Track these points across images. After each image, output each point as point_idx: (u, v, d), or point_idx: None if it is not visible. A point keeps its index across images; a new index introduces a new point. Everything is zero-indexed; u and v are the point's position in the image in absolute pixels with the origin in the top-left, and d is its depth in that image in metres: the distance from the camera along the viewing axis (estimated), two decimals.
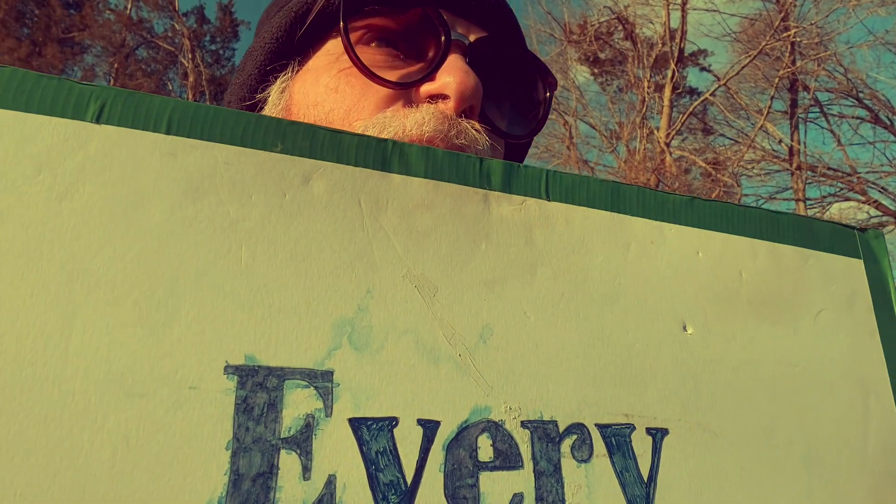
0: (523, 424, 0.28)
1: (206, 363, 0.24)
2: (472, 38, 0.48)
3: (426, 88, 0.45)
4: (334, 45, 0.48)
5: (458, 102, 0.44)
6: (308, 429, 0.25)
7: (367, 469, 0.25)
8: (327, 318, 0.26)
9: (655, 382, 0.32)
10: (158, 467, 0.22)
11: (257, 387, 0.25)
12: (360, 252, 0.28)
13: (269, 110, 0.49)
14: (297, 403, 0.25)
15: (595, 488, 0.29)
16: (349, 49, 0.45)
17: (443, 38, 0.46)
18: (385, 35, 0.47)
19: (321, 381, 0.26)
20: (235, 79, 0.53)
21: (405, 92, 0.46)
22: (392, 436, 0.26)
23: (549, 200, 0.33)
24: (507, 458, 0.28)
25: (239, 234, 0.26)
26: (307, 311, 0.26)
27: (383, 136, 0.42)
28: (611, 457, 0.30)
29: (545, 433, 0.29)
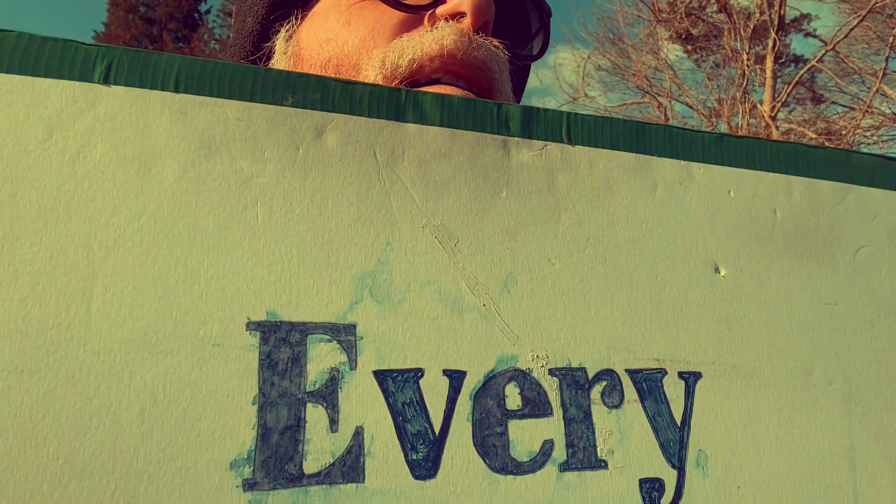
0: (551, 372, 0.28)
1: (229, 320, 0.24)
2: None
3: (441, 10, 0.45)
4: None
5: (474, 17, 0.44)
6: (333, 382, 0.25)
7: (395, 420, 0.25)
8: (347, 272, 0.26)
9: (687, 326, 0.31)
10: (187, 423, 0.23)
11: (280, 342, 0.24)
12: (378, 204, 0.28)
13: (277, 59, 0.49)
14: (321, 357, 0.25)
15: (627, 433, 0.28)
16: None
17: None
18: None
19: (344, 334, 0.25)
20: (235, 36, 0.53)
21: (418, 17, 0.46)
22: (418, 387, 0.26)
23: (572, 144, 0.32)
24: (535, 406, 0.27)
25: (254, 190, 0.26)
26: (327, 266, 0.26)
27: (403, 59, 0.43)
28: (642, 402, 0.29)
29: (574, 380, 0.28)
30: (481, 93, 0.46)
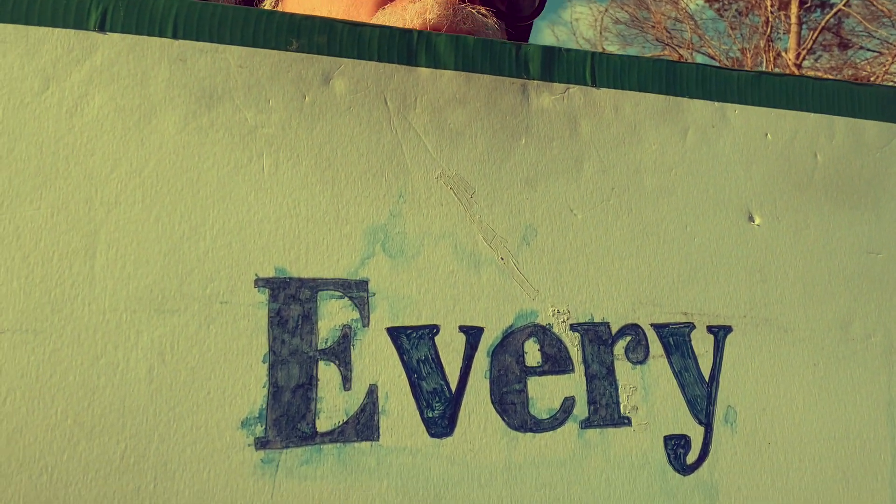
0: (573, 328, 0.27)
1: (236, 277, 0.23)
2: None
3: None
4: None
5: None
6: (346, 339, 0.24)
7: (410, 378, 0.24)
8: (358, 226, 0.25)
9: (717, 278, 0.29)
10: (196, 382, 0.22)
11: (290, 299, 0.24)
12: (390, 154, 0.26)
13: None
14: (333, 314, 0.24)
15: (652, 390, 0.27)
16: None
17: None
18: None
19: (356, 290, 0.24)
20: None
21: None
22: (433, 344, 0.25)
23: (596, 87, 0.30)
24: (556, 363, 0.26)
25: (259, 141, 0.25)
26: (337, 220, 0.25)
27: None
28: (668, 357, 0.28)
29: (597, 335, 0.27)
30: None
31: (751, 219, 0.31)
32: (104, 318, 0.22)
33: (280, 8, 0.47)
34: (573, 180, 0.29)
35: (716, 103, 0.32)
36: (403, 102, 0.27)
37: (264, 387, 0.23)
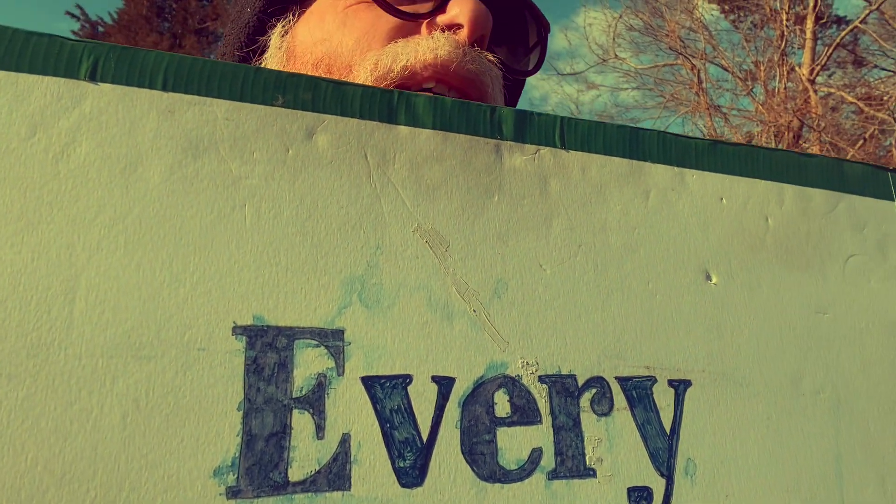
0: (541, 379, 0.28)
1: (214, 324, 0.24)
2: None
3: (440, 19, 0.46)
4: None
5: (471, 29, 0.44)
6: (320, 388, 0.24)
7: (382, 427, 0.25)
8: (336, 276, 0.26)
9: (677, 333, 0.31)
10: (170, 429, 0.22)
11: (267, 347, 0.24)
12: (368, 207, 0.27)
13: (270, 54, 0.49)
14: (308, 363, 0.24)
15: (616, 441, 0.28)
16: None
17: None
18: None
19: (332, 339, 0.25)
20: (230, 27, 0.53)
21: (413, 25, 0.46)
22: (406, 393, 0.25)
23: (565, 149, 0.32)
24: (524, 414, 0.27)
25: (242, 191, 0.25)
26: (315, 269, 0.26)
27: (396, 64, 0.43)
28: (632, 410, 0.29)
29: (564, 387, 0.28)
30: None
31: (708, 277, 0.33)
32: (80, 364, 0.22)
33: (290, 43, 0.48)
34: (542, 237, 0.30)
35: (675, 168, 0.34)
36: (383, 158, 0.28)
37: (238, 435, 0.23)
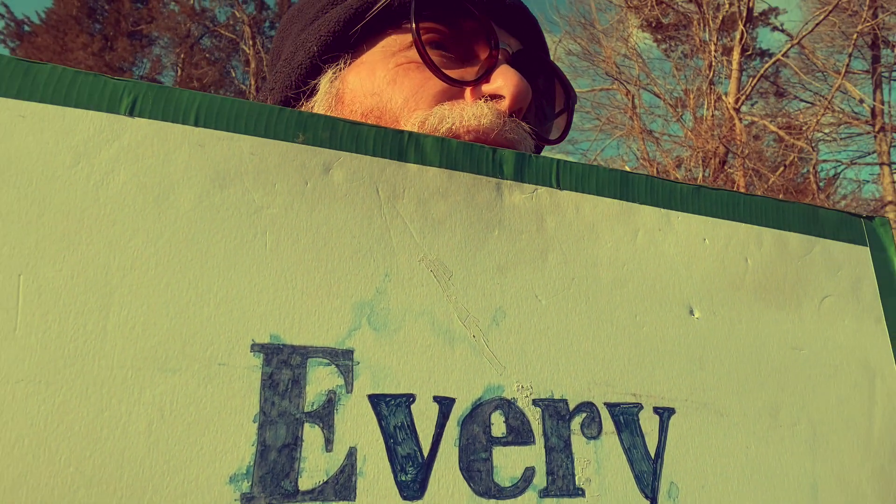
0: (535, 402, 0.30)
1: (234, 341, 0.26)
2: (513, 48, 0.53)
3: (485, 88, 0.49)
4: (391, 42, 0.51)
5: (512, 102, 0.48)
6: (330, 404, 0.26)
7: (386, 442, 0.26)
8: (348, 300, 0.28)
9: (663, 364, 0.33)
10: (191, 438, 0.24)
11: (282, 364, 0.26)
12: (379, 238, 0.29)
13: (319, 98, 0.52)
14: (320, 380, 0.26)
15: (604, 463, 0.30)
16: (418, 43, 0.48)
17: (493, 47, 0.50)
18: (443, 37, 0.51)
19: (342, 359, 0.27)
20: (282, 67, 0.55)
21: (459, 90, 0.49)
22: (409, 411, 0.27)
23: (560, 189, 0.34)
24: (519, 434, 0.29)
25: (264, 220, 0.28)
26: (328, 294, 0.28)
27: (442, 125, 0.46)
28: (619, 434, 0.31)
29: (556, 411, 0.30)
30: None
31: (691, 312, 0.35)
32: (111, 374, 0.24)
33: (339, 89, 0.51)
34: (538, 269, 0.32)
35: (662, 210, 0.36)
36: (393, 193, 0.31)
37: (253, 445, 0.25)
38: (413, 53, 0.50)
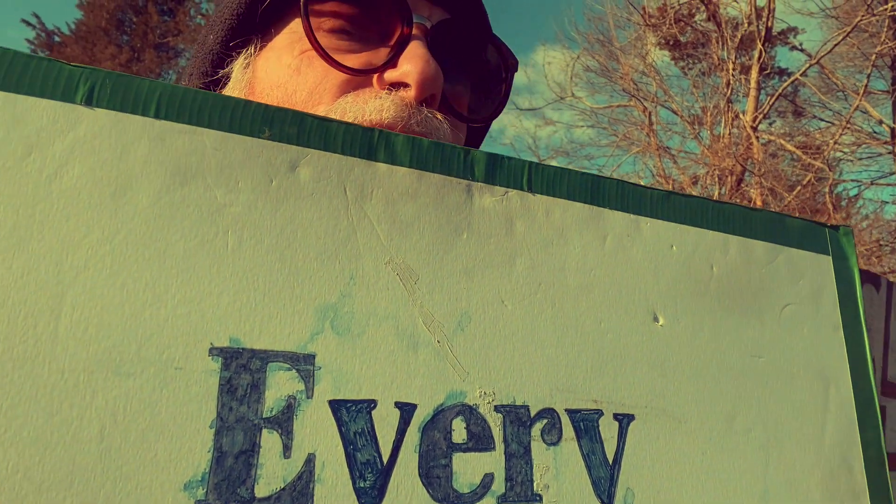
0: (497, 409, 0.30)
1: (192, 345, 0.25)
2: (434, 20, 0.48)
3: (388, 76, 0.45)
4: (297, 24, 0.47)
5: (418, 91, 0.44)
6: (289, 409, 0.26)
7: (346, 448, 0.26)
8: (311, 303, 0.27)
9: (624, 371, 0.33)
10: (145, 444, 0.23)
11: (241, 368, 0.25)
12: (345, 239, 0.29)
13: (231, 87, 0.49)
14: (280, 385, 0.26)
15: (562, 469, 0.30)
16: (309, 33, 0.45)
17: (404, 23, 0.46)
18: (347, 18, 0.47)
19: (303, 364, 0.27)
20: (196, 51, 0.52)
21: (366, 77, 0.46)
22: (370, 417, 0.27)
23: (531, 192, 0.34)
24: (479, 441, 0.29)
25: (226, 219, 0.27)
26: (291, 296, 0.27)
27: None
28: (578, 440, 0.31)
29: (517, 417, 0.30)
30: None
31: (655, 319, 0.35)
32: (63, 377, 0.23)
33: (250, 77, 0.48)
34: (506, 274, 0.32)
35: (632, 215, 0.36)
36: (361, 193, 0.30)
37: (209, 451, 0.24)
38: (322, 37, 0.46)
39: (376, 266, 0.29)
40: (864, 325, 0.42)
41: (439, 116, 0.46)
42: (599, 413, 0.32)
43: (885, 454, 0.39)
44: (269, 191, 0.28)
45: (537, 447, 0.30)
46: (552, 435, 0.31)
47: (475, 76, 0.54)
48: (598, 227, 0.35)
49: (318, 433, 0.26)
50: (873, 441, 0.39)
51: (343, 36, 0.46)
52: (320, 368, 0.27)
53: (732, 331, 0.37)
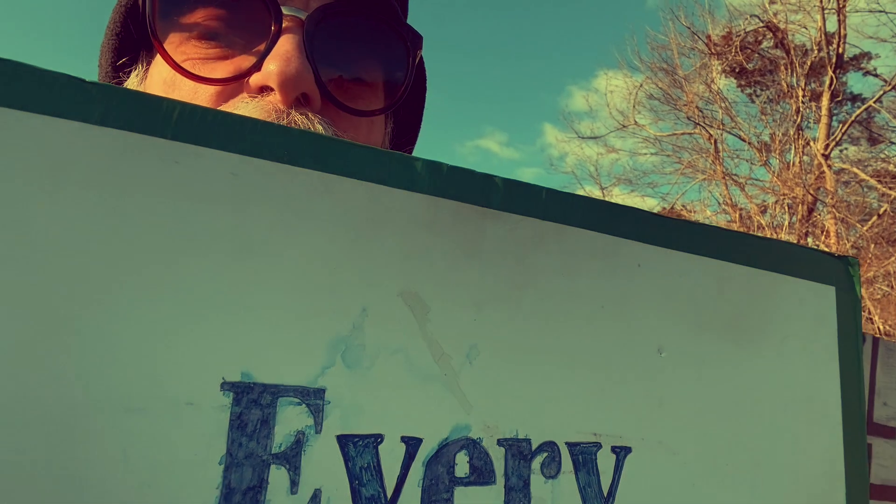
0: (499, 442, 0.30)
1: (204, 379, 0.25)
2: (312, 8, 0.44)
3: (253, 80, 0.42)
4: (175, 37, 0.43)
5: (283, 94, 0.41)
6: (298, 445, 0.26)
7: (351, 484, 0.27)
8: (323, 336, 0.27)
9: (625, 403, 0.34)
10: (153, 481, 0.24)
11: (252, 403, 0.25)
12: (358, 269, 0.29)
13: None
14: (289, 420, 0.26)
15: (558, 503, 0.31)
16: (159, 47, 0.41)
17: (273, 19, 0.42)
18: (215, 21, 0.43)
19: (313, 398, 0.27)
20: (99, 73, 0.49)
21: (238, 85, 0.42)
22: (377, 452, 0.27)
23: (545, 220, 0.34)
24: (481, 474, 0.29)
25: (239, 248, 0.26)
26: (303, 329, 0.27)
27: None
28: (576, 473, 0.32)
29: (519, 451, 0.30)
30: None
31: (659, 351, 0.35)
32: (73, 413, 0.23)
33: (145, 83, 0.46)
34: (515, 305, 0.32)
35: (643, 244, 0.36)
36: (377, 220, 0.29)
37: (217, 488, 0.24)
38: (190, 48, 0.42)
39: (389, 297, 0.29)
40: (860, 355, 0.43)
41: (311, 115, 0.42)
42: (598, 446, 0.33)
43: (868, 485, 0.41)
44: (284, 219, 0.28)
45: (536, 480, 0.31)
46: (551, 469, 0.31)
47: (371, 63, 0.49)
48: (611, 257, 0.35)
49: (325, 468, 0.26)
50: (858, 471, 0.40)
51: (212, 43, 0.43)
52: (329, 403, 0.27)
53: (733, 362, 0.37)
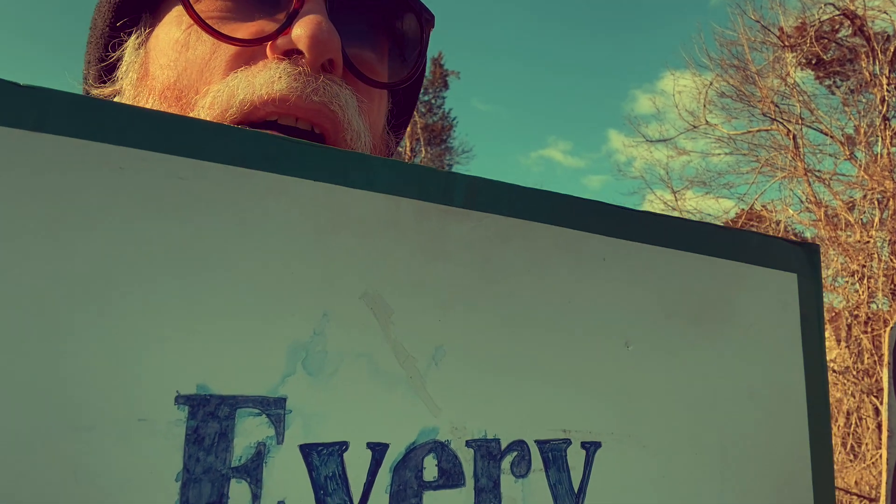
0: (468, 444, 0.30)
1: (157, 394, 0.24)
2: None
3: (280, 43, 0.41)
4: None
5: (312, 57, 0.41)
6: (259, 457, 0.25)
7: (316, 494, 0.26)
8: (282, 343, 0.26)
9: (594, 398, 0.34)
10: (106, 501, 0.23)
11: (209, 416, 0.25)
12: (318, 272, 0.28)
13: (125, 69, 0.45)
14: (249, 432, 0.25)
15: (529, 502, 0.31)
16: (186, 2, 0.40)
17: None
18: None
19: (273, 408, 0.26)
20: (90, 37, 0.48)
21: (260, 48, 0.42)
22: (342, 460, 0.27)
23: (510, 217, 0.33)
24: (450, 477, 0.29)
25: (192, 254, 0.25)
26: (262, 337, 0.26)
27: (233, 101, 0.39)
28: (546, 471, 0.31)
29: (488, 451, 0.30)
30: (324, 134, 0.42)
31: (627, 344, 0.35)
32: (17, 432, 0.22)
33: (143, 58, 0.45)
34: (481, 304, 0.31)
35: (609, 238, 0.36)
36: (336, 222, 0.29)
37: None
38: (206, 6, 0.41)
39: (351, 300, 0.28)
40: (823, 341, 0.44)
41: (339, 81, 0.42)
42: (568, 442, 0.32)
43: (834, 469, 0.41)
44: (239, 222, 0.27)
45: (506, 480, 0.30)
46: (521, 467, 0.31)
47: (387, 38, 0.49)
48: (577, 251, 0.35)
49: (288, 480, 0.26)
50: (824, 454, 0.41)
51: (231, 4, 0.43)
52: (291, 412, 0.26)
53: (698, 351, 0.38)
